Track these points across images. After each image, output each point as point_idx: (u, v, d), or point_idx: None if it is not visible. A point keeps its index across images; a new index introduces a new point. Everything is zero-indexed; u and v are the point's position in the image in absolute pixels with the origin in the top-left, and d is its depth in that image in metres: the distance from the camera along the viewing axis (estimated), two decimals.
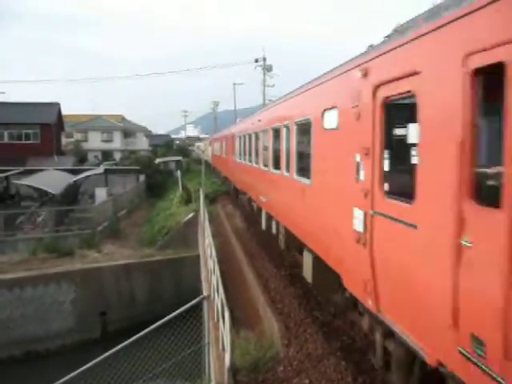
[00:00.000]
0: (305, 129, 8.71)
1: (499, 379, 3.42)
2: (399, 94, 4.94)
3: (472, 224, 3.69)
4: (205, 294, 8.99)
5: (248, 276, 12.69)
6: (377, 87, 5.36)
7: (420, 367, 5.27)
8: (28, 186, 29.57)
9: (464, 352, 3.79)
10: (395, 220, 4.95)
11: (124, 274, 20.20)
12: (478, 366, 3.64)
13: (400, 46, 4.86)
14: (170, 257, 21.38)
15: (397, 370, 5.75)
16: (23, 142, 47.22)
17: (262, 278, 11.89)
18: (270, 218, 13.68)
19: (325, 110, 7.38)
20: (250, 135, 16.20)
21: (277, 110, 11.92)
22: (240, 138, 19.16)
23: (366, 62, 5.72)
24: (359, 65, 5.92)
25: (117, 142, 68.26)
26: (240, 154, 19.12)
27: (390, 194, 5.18)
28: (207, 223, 16.18)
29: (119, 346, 7.52)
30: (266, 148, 12.91)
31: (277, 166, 11.30)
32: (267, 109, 14.30)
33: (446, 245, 3.95)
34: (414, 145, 4.64)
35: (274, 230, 13.29)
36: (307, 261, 9.12)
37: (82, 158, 59.79)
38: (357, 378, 6.72)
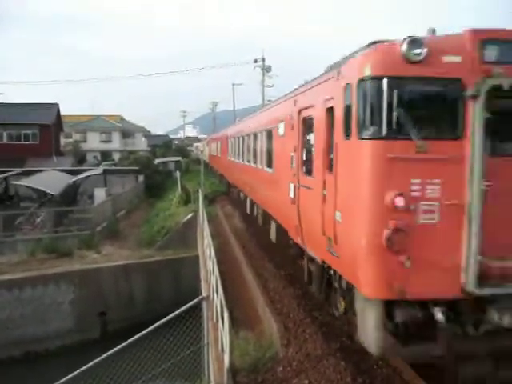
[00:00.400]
0: (269, 135, 12.43)
1: (336, 255, 6.75)
2: (308, 116, 8.44)
3: (327, 183, 7.13)
4: (204, 294, 9.00)
5: (247, 276, 12.70)
6: (300, 111, 8.95)
7: (326, 278, 8.14)
8: (27, 186, 29.54)
9: (328, 248, 7.05)
10: (305, 187, 8.48)
11: (123, 274, 20.18)
12: (330, 252, 6.96)
13: (307, 90, 8.69)
14: (169, 257, 21.37)
15: (315, 281, 8.84)
16: (22, 142, 47.14)
17: (262, 278, 11.90)
18: (252, 204, 17.70)
19: (278, 123, 11.00)
20: (237, 138, 19.84)
21: (252, 122, 16.29)
22: (231, 140, 22.64)
23: (295, 95, 9.55)
24: (292, 97, 9.78)
25: (116, 143, 68.25)
26: (231, 154, 22.35)
27: (305, 173, 8.65)
28: (206, 223, 16.20)
29: (118, 347, 7.53)
30: (247, 149, 16.74)
31: (254, 161, 15.09)
32: (246, 120, 18.92)
33: (320, 195, 7.38)
34: (313, 145, 8.12)
35: (254, 213, 17.21)
36: (272, 227, 13.24)
37: (80, 158, 59.74)
38: (356, 378, 6.74)
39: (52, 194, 27.47)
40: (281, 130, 10.69)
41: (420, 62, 5.53)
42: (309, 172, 8.28)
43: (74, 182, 31.65)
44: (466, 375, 5.73)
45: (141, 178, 41.22)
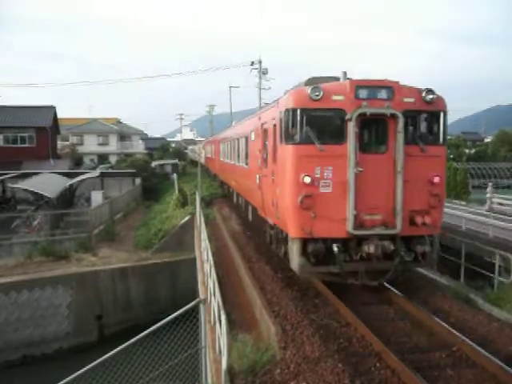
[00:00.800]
0: (246, 140, 16.30)
1: (278, 217, 10.74)
2: (265, 128, 12.19)
3: (274, 171, 10.96)
4: (201, 297, 8.98)
5: (244, 279, 12.69)
6: (262, 124, 12.71)
7: (283, 238, 11.15)
8: (24, 189, 29.45)
9: (275, 214, 10.98)
10: (264, 175, 12.23)
11: (120, 277, 20.14)
12: (277, 217, 10.86)
13: (265, 111, 12.93)
14: (166, 260, 21.35)
15: (274, 242, 12.43)
16: (19, 145, 46.95)
17: (259, 280, 11.89)
18: (237, 195, 21.65)
19: (251, 131, 14.88)
20: (226, 143, 24.29)
21: (236, 130, 20.58)
22: (221, 144, 27.12)
23: (260, 113, 13.65)
24: (258, 114, 13.90)
25: (113, 146, 68.11)
26: (222, 156, 26.53)
27: (264, 166, 12.23)
28: (203, 226, 16.18)
29: (115, 351, 7.50)
30: (233, 151, 20.72)
31: (237, 161, 18.98)
32: (232, 128, 23.88)
33: (270, 179, 11.32)
34: (267, 147, 11.85)
35: (240, 202, 21.00)
36: (249, 210, 17.42)
37: (77, 161, 59.63)
38: (354, 380, 6.73)
39: (49, 197, 27.39)
40: (252, 137, 14.68)
41: (319, 99, 9.34)
42: (266, 165, 12.13)
43: (70, 185, 31.59)
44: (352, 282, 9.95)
45: (138, 180, 41.15)
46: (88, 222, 24.51)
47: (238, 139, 18.89)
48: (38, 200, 29.22)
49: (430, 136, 10.05)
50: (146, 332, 7.58)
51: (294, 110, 9.54)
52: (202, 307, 8.13)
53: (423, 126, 10.13)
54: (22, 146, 47.00)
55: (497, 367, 7.08)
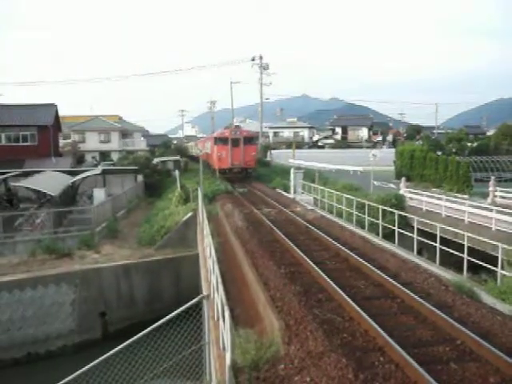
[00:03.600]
0: (209, 144, 42.66)
1: (214, 164, 39.92)
2: (212, 141, 39.98)
3: (214, 153, 38.74)
4: (204, 293, 8.98)
5: (248, 275, 12.69)
6: (213, 139, 39.99)
7: (214, 170, 39.71)
8: (26, 187, 29.52)
9: (214, 166, 40.75)
10: (212, 154, 40.23)
11: (123, 274, 20.20)
12: (214, 164, 40.02)
13: (213, 135, 43.31)
14: (169, 256, 21.39)
15: (214, 171, 39.75)
16: (21, 144, 47.14)
17: (262, 276, 11.88)
18: (208, 162, 42.87)
19: (209, 141, 43.62)
20: (204, 144, 48.34)
21: (206, 140, 51.19)
22: (204, 143, 49.68)
23: (213, 135, 42.76)
24: (213, 136, 42.73)
25: (114, 143, 68.13)
26: (204, 149, 44.84)
27: (213, 153, 39.38)
28: (206, 222, 16.18)
29: (119, 347, 7.52)
30: (206, 147, 44.73)
31: (208, 150, 42.66)
32: (205, 139, 55.13)
33: (215, 156, 38.37)
34: (213, 147, 39.24)
35: (211, 167, 42.39)
36: (210, 165, 42.14)
37: (79, 158, 59.67)
38: (358, 374, 6.72)
39: (51, 195, 27.44)
40: (210, 143, 42.00)
41: (223, 134, 38.93)
42: (212, 151, 38.88)
43: (73, 182, 31.64)
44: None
45: (140, 177, 41.21)
46: (91, 219, 24.59)
47: (206, 143, 46.28)
48: (41, 198, 29.30)
49: (249, 140, 37.54)
50: (149, 328, 7.60)
51: (216, 138, 38.52)
52: (205, 303, 8.14)
53: (247, 140, 37.21)
54: (24, 144, 47.15)
55: (501, 361, 7.07)
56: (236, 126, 43.72)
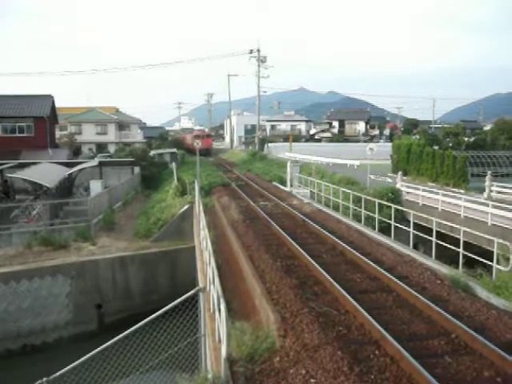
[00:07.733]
0: (193, 137, 67.60)
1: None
2: (191, 136, 77.28)
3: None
4: (201, 285, 8.99)
5: (244, 267, 12.72)
6: (193, 134, 79.62)
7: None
8: (22, 179, 29.40)
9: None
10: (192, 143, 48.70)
11: (120, 266, 20.17)
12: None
13: (193, 131, 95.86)
14: (165, 248, 21.36)
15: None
16: (17, 135, 46.86)
17: (258, 269, 11.91)
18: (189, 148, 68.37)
19: (191, 135, 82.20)
20: (189, 136, 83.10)
21: (190, 134, 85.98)
22: (189, 135, 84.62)
23: (195, 131, 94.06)
24: (194, 131, 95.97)
25: (111, 135, 68.02)
26: (190, 140, 69.31)
27: (192, 141, 57.23)
28: (202, 215, 16.18)
29: (115, 339, 7.53)
30: (191, 139, 72.10)
31: (191, 141, 65.98)
32: (190, 133, 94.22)
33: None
34: (194, 139, 52.60)
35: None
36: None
37: (76, 150, 59.48)
38: (353, 367, 6.75)
39: (48, 187, 27.34)
40: (191, 138, 71.86)
41: (194, 134, 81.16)
42: (192, 142, 43.02)
43: (69, 174, 31.52)
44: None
45: (137, 169, 41.08)
46: (87, 211, 24.50)
47: (188, 136, 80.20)
48: (37, 190, 29.19)
49: (208, 136, 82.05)
50: (145, 320, 7.61)
51: (194, 136, 70.02)
52: (201, 295, 8.16)
53: (206, 136, 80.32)
54: (21, 135, 46.89)
55: (495, 354, 7.11)
56: (201, 129, 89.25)
